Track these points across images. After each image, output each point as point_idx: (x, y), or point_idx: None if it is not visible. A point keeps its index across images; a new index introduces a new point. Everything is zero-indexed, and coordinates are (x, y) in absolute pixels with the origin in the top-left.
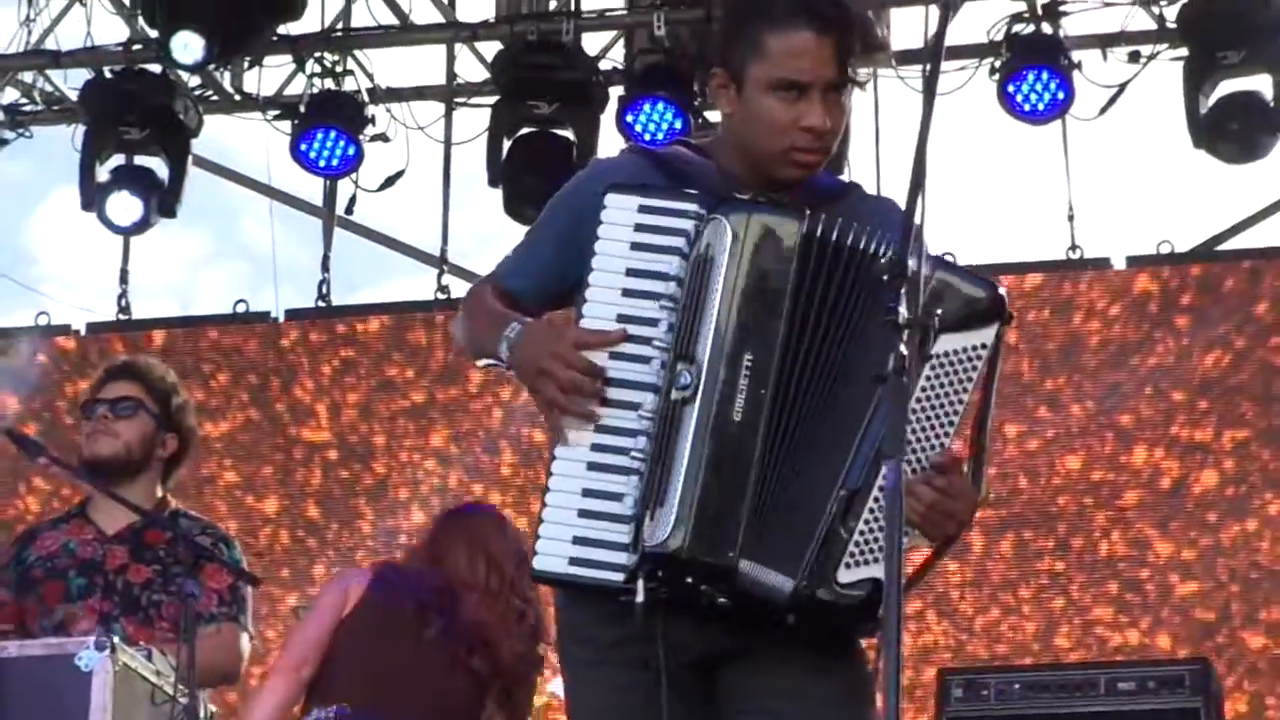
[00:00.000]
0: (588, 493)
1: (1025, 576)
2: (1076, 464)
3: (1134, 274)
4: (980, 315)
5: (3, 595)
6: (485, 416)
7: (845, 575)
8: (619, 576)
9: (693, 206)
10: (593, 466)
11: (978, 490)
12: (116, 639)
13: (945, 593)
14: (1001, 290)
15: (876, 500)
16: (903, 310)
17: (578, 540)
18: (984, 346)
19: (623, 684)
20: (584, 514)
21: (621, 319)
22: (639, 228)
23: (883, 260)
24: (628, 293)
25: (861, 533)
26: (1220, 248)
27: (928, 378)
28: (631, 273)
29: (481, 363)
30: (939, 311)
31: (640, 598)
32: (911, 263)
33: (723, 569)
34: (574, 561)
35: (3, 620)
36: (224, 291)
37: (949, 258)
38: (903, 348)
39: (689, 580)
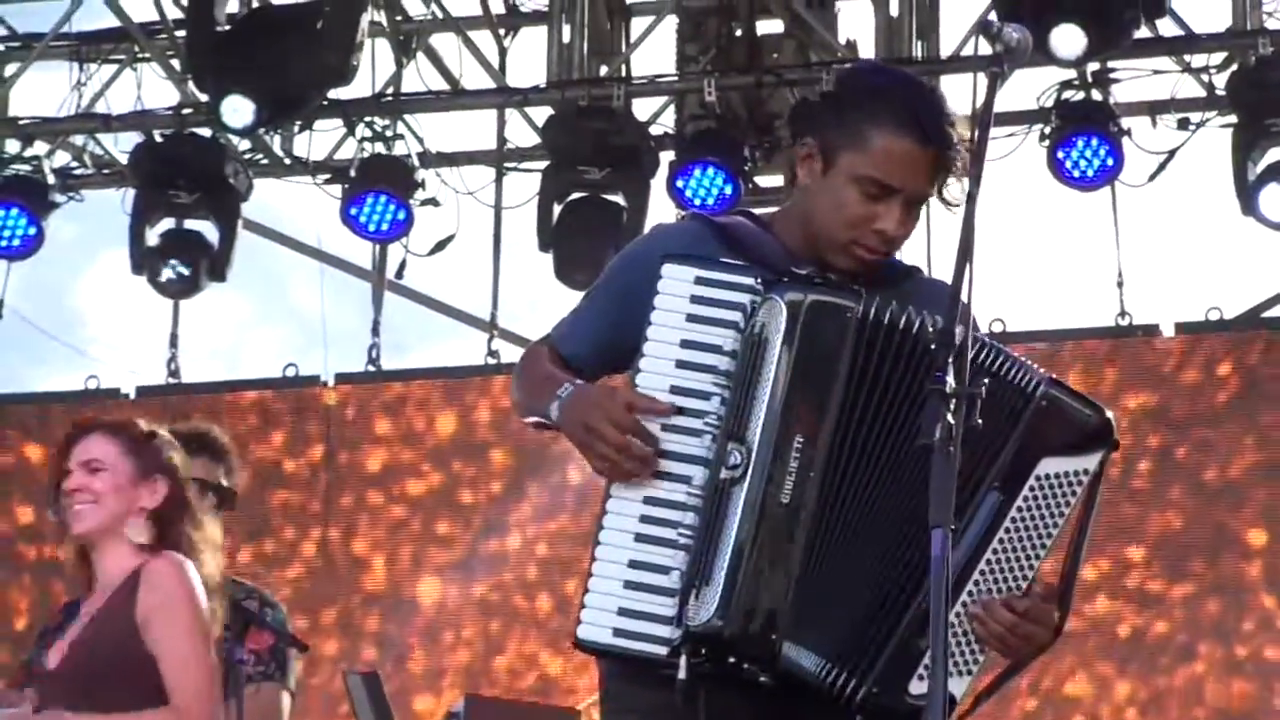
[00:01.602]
0: (634, 564)
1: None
2: None
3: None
4: (1087, 440)
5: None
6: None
7: (917, 687)
8: (662, 650)
9: (750, 280)
10: (640, 538)
11: (1063, 617)
12: None
13: None
14: (1110, 416)
15: (959, 615)
16: (950, 380)
17: (623, 611)
18: (1086, 473)
19: None
20: (630, 585)
21: (674, 390)
22: (695, 299)
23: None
24: (681, 364)
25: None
26: (1269, 314)
27: (1025, 498)
28: (686, 344)
29: (529, 420)
30: (1046, 433)
31: (682, 674)
32: (959, 331)
33: (765, 652)
34: (618, 633)
35: None
36: (271, 355)
37: (1053, 382)
38: (949, 417)
39: (731, 660)
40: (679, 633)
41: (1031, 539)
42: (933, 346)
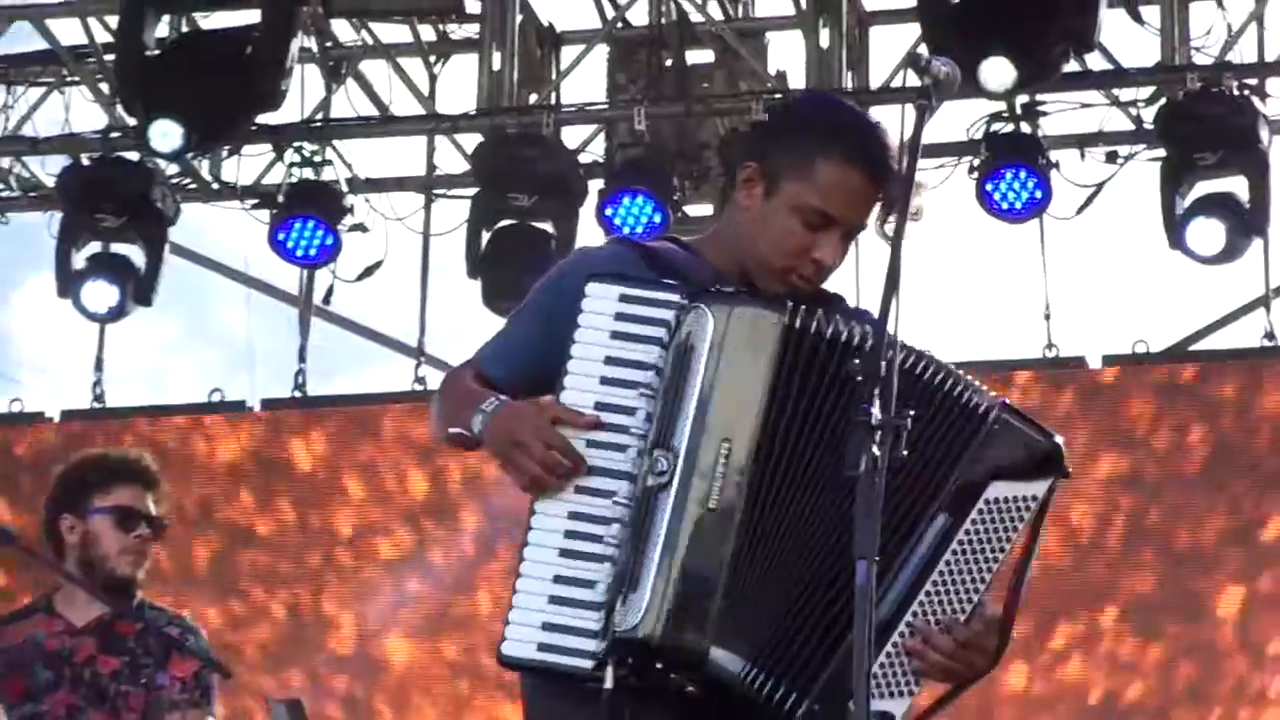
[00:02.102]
0: (559, 579)
1: None
2: None
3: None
4: (1037, 467)
5: None
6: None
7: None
8: (588, 663)
9: (674, 297)
10: (565, 553)
11: (1002, 645)
12: None
13: None
14: (1060, 442)
15: (903, 635)
16: (875, 411)
17: (547, 626)
18: (1035, 499)
19: None
20: (554, 600)
21: (599, 406)
22: (619, 316)
23: (859, 347)
24: (606, 380)
25: (883, 665)
26: (1195, 347)
27: (973, 521)
28: (610, 361)
29: (452, 430)
30: (996, 456)
31: (609, 684)
32: (884, 363)
33: (693, 656)
34: (543, 647)
35: None
36: (197, 379)
37: (1005, 406)
38: (875, 449)
39: (658, 666)
40: (604, 645)
41: (977, 563)
42: (861, 352)
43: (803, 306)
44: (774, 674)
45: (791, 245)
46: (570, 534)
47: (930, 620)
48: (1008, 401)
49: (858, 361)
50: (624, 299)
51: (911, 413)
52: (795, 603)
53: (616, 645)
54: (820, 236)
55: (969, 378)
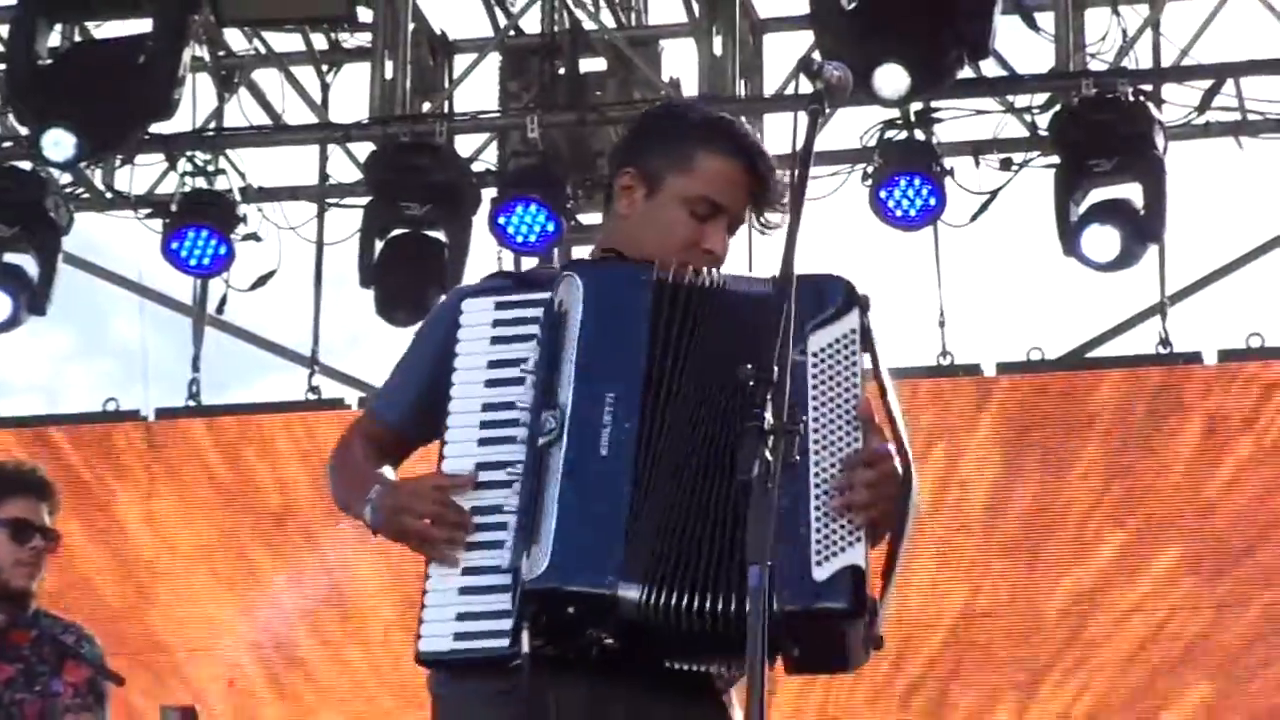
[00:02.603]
0: (467, 570)
1: None
2: None
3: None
4: (839, 307)
5: None
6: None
7: (819, 573)
8: (505, 642)
9: (547, 295)
10: (470, 546)
11: (906, 466)
12: None
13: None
14: (844, 277)
15: (815, 494)
16: (768, 416)
17: (461, 616)
18: (854, 332)
19: None
20: (465, 590)
21: (486, 408)
22: (496, 323)
23: (732, 293)
24: (491, 383)
25: (819, 530)
26: (1091, 355)
27: (814, 374)
28: (493, 364)
29: (350, 514)
30: (801, 314)
31: (525, 648)
32: (777, 369)
33: (602, 599)
34: (459, 637)
35: None
36: (91, 389)
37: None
38: (768, 454)
39: (571, 611)
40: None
41: (838, 409)
42: (750, 382)
43: (673, 265)
44: (681, 593)
45: (681, 237)
46: (474, 526)
47: (831, 475)
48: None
49: (749, 366)
50: (499, 306)
51: (805, 419)
52: (695, 532)
53: (526, 601)
54: (708, 228)
55: (741, 275)
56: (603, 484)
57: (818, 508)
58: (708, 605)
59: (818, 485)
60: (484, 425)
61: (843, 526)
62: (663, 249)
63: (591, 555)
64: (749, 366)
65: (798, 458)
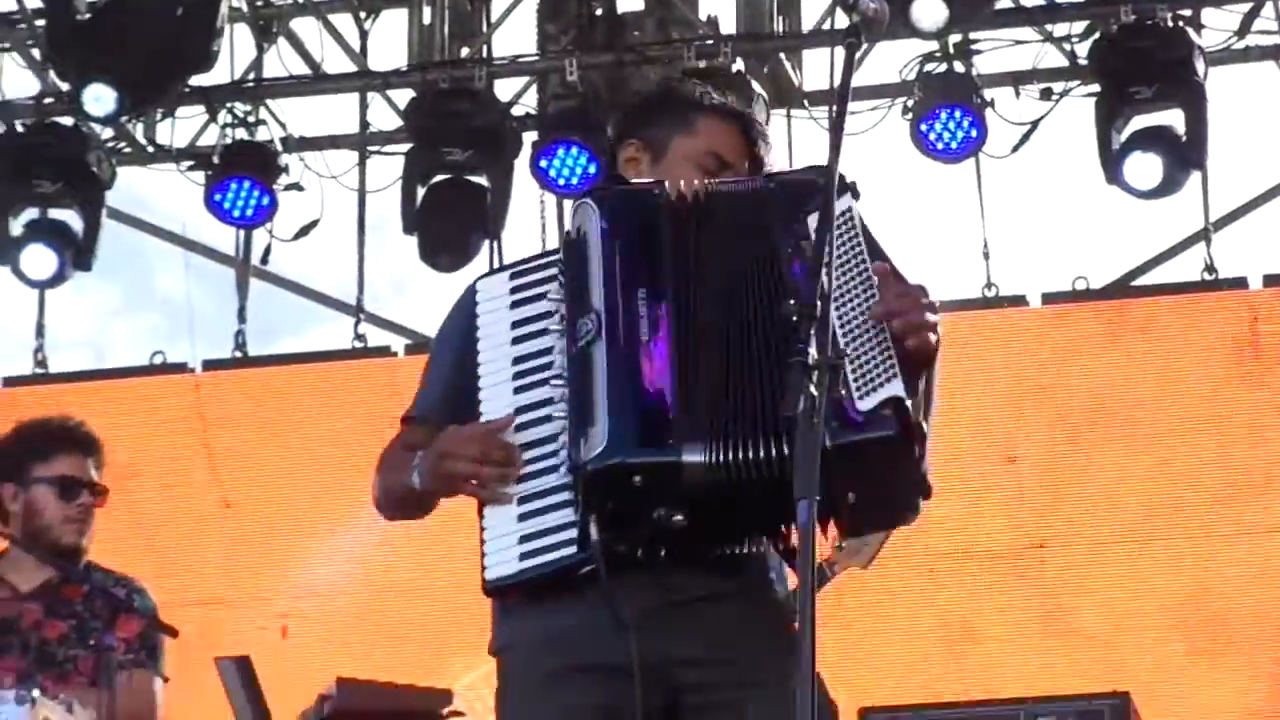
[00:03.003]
0: (523, 499)
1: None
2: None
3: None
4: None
5: None
6: None
7: (863, 404)
8: (572, 550)
9: (556, 256)
10: (522, 479)
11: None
12: (36, 692)
13: (863, 630)
14: (821, 166)
15: (854, 335)
16: (812, 351)
17: (524, 539)
18: (848, 210)
19: (571, 704)
20: (524, 516)
21: (516, 360)
22: (514, 291)
23: (736, 193)
24: (518, 340)
25: (858, 365)
26: (1136, 283)
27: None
28: (516, 324)
29: (392, 493)
30: (797, 204)
31: (594, 535)
32: (835, 280)
33: (667, 464)
34: (524, 557)
35: None
36: (138, 343)
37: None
38: (812, 389)
39: (637, 484)
40: (580, 515)
41: (849, 262)
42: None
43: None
44: (741, 448)
45: None
46: (523, 461)
47: (856, 323)
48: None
49: (792, 303)
50: (514, 276)
51: (847, 355)
52: (744, 393)
53: (591, 487)
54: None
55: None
56: (648, 362)
57: (854, 346)
58: (771, 454)
59: (844, 333)
60: (516, 376)
61: (878, 364)
62: None
63: (649, 427)
64: (791, 302)
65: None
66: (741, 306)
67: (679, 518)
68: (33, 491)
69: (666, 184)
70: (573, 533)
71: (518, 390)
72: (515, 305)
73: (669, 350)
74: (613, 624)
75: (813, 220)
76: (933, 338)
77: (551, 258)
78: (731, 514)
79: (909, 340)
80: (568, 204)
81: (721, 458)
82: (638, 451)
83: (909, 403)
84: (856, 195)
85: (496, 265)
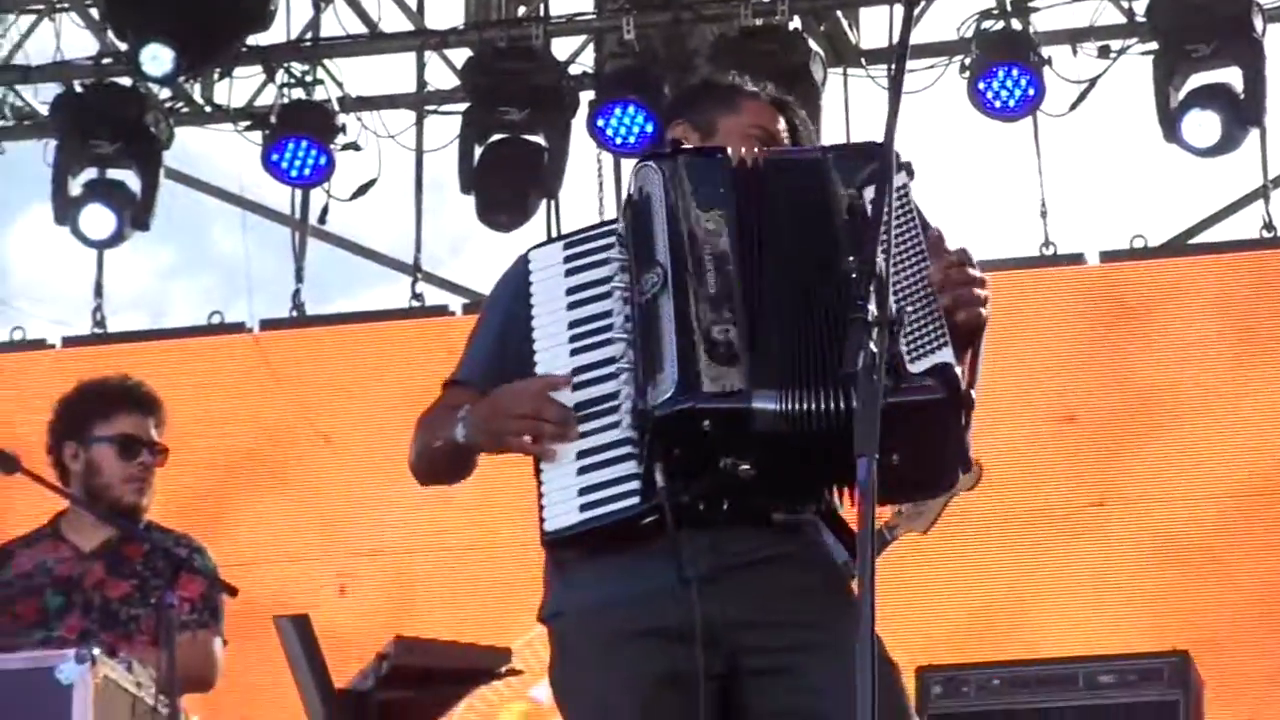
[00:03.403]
0: (582, 453)
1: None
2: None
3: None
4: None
5: None
6: None
7: (915, 367)
8: (635, 500)
9: (612, 225)
10: (581, 435)
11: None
12: (97, 651)
13: (921, 590)
14: (879, 143)
15: (910, 300)
16: (872, 308)
17: (584, 490)
18: (904, 185)
19: (630, 672)
20: (583, 469)
21: (572, 325)
22: (569, 258)
23: (796, 159)
24: (573, 305)
25: (910, 331)
26: (1194, 241)
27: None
28: (571, 290)
29: (434, 446)
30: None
31: (660, 482)
32: (879, 262)
33: (737, 409)
34: (585, 508)
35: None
36: (194, 303)
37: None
38: (873, 345)
39: (706, 430)
40: (644, 466)
41: (902, 233)
42: (853, 275)
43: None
44: (811, 398)
45: None
46: (579, 420)
47: (909, 289)
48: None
49: (852, 259)
50: (568, 246)
51: (910, 309)
52: (812, 342)
53: (659, 430)
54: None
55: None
56: (715, 311)
57: (908, 311)
58: (839, 407)
59: (898, 299)
60: (573, 339)
61: (929, 330)
62: None
63: (719, 372)
64: (851, 259)
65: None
66: (802, 264)
67: (746, 467)
68: (93, 450)
69: (729, 148)
70: (635, 484)
71: (574, 353)
72: (570, 273)
73: (736, 301)
74: (671, 586)
75: (868, 192)
76: (983, 311)
77: (606, 227)
78: (796, 467)
79: (959, 314)
80: (625, 163)
81: (791, 407)
82: (708, 397)
83: (958, 369)
84: (911, 174)
85: (554, 226)
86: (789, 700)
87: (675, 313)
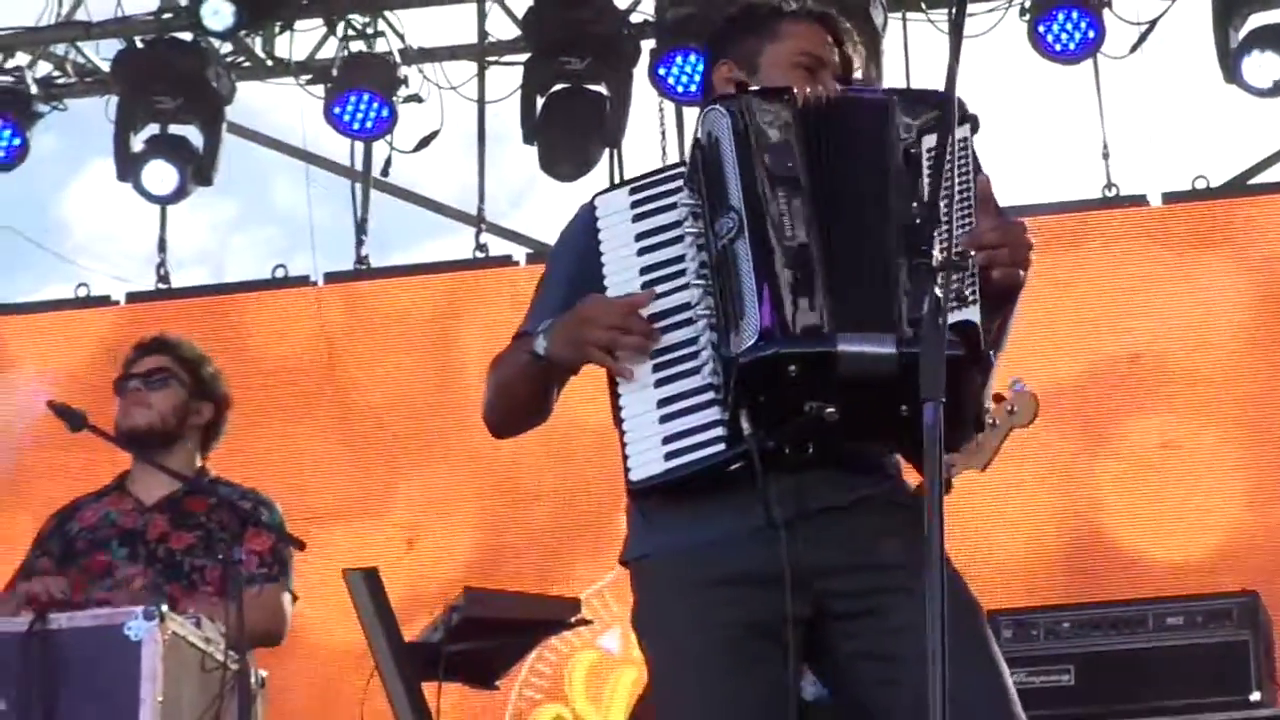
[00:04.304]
0: (662, 402)
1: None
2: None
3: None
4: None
5: (45, 565)
6: None
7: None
8: (721, 447)
9: (677, 169)
10: (660, 382)
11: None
12: (165, 607)
13: (987, 532)
14: (940, 90)
15: (944, 253)
16: (936, 253)
17: (667, 439)
18: (965, 139)
19: (721, 621)
20: (665, 418)
21: (644, 270)
22: (634, 205)
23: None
24: (643, 250)
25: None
26: (1254, 181)
27: (929, 164)
28: (640, 235)
29: (512, 373)
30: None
31: (747, 429)
32: (942, 206)
33: (823, 353)
34: (670, 456)
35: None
36: (256, 257)
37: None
38: (937, 291)
39: (792, 374)
40: (728, 413)
41: (954, 185)
42: (916, 221)
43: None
44: (889, 344)
45: None
46: (658, 367)
47: (962, 231)
48: (888, 88)
49: (916, 205)
50: (634, 191)
51: (973, 255)
52: (893, 285)
53: (743, 377)
54: (818, 81)
55: (852, 92)
56: (795, 255)
57: (939, 262)
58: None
59: (942, 248)
60: (645, 286)
61: (962, 287)
62: None
63: (802, 317)
64: (916, 205)
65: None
66: (871, 208)
67: (831, 410)
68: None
69: (794, 88)
70: (720, 430)
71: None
72: (638, 219)
73: (813, 244)
74: (758, 531)
75: (928, 139)
76: (1020, 274)
77: (671, 171)
78: (877, 409)
79: (995, 272)
80: (688, 111)
81: (873, 349)
82: (793, 341)
83: (981, 329)
84: (976, 128)
85: (616, 175)
86: (873, 642)
87: (753, 258)
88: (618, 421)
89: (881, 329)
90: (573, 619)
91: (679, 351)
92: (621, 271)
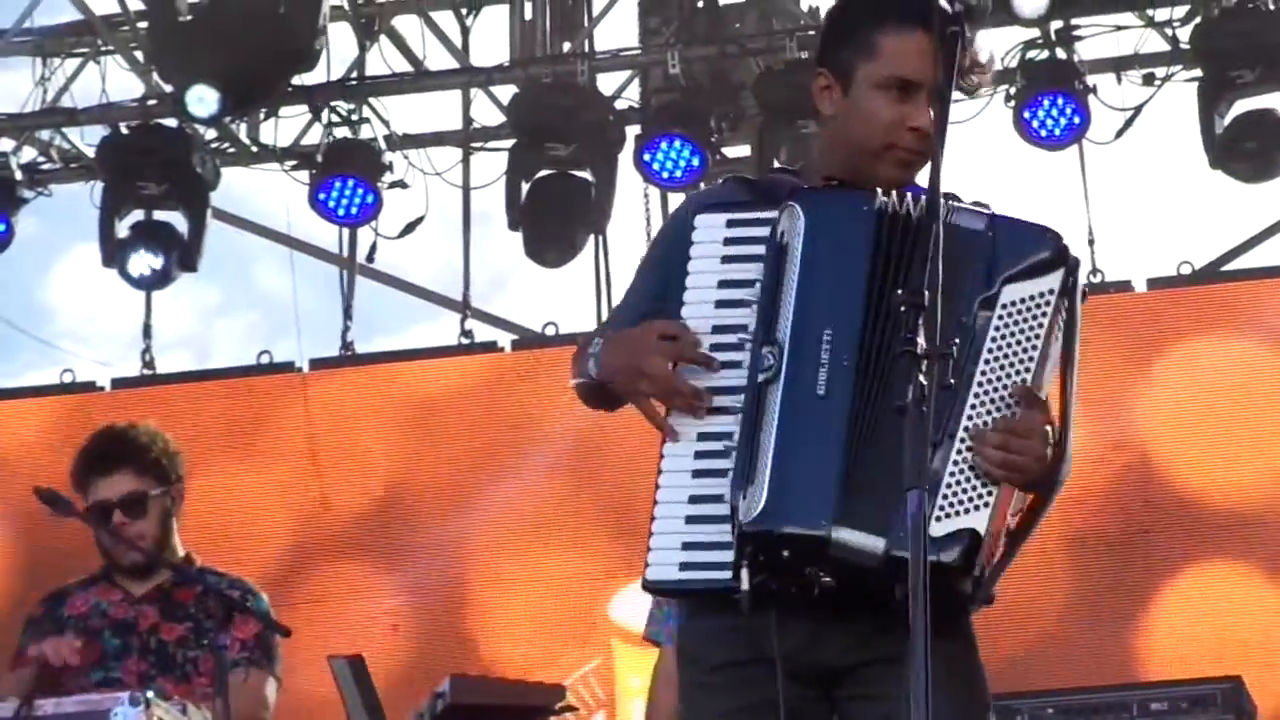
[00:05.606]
0: (694, 499)
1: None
2: None
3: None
4: (1042, 263)
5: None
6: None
7: (937, 529)
8: (726, 574)
9: (776, 213)
10: (698, 474)
11: (1062, 438)
12: (151, 694)
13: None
14: (1059, 233)
15: (959, 448)
16: (921, 341)
17: (686, 546)
18: (1051, 292)
19: (731, 707)
20: (691, 520)
21: (716, 330)
22: (728, 241)
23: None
24: (720, 304)
25: (949, 484)
26: (1234, 265)
27: (996, 328)
28: (723, 284)
29: (574, 384)
30: (1002, 262)
31: (745, 585)
32: (928, 293)
33: (816, 539)
34: (684, 567)
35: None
36: (240, 342)
37: (996, 216)
38: (922, 379)
39: (786, 555)
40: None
41: (1011, 364)
42: (901, 308)
43: (894, 194)
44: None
45: (884, 122)
46: (700, 454)
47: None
48: (995, 213)
49: (899, 292)
50: (731, 223)
51: (956, 342)
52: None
53: (744, 541)
54: (907, 106)
55: (958, 205)
56: (819, 425)
57: (956, 463)
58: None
59: (962, 442)
60: (713, 348)
61: (974, 487)
62: (869, 138)
63: (807, 498)
64: (899, 291)
65: (951, 381)
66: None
67: (828, 579)
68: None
69: (879, 194)
70: (729, 555)
71: (715, 329)
72: (726, 260)
73: (843, 414)
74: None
75: (1009, 291)
76: (1035, 468)
77: (768, 214)
78: (871, 589)
79: (997, 472)
80: (672, 197)
81: (872, 547)
82: (790, 522)
83: (985, 538)
84: (1074, 270)
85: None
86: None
87: (780, 415)
88: (656, 492)
89: (889, 529)
90: (558, 705)
91: (718, 443)
92: (698, 315)
